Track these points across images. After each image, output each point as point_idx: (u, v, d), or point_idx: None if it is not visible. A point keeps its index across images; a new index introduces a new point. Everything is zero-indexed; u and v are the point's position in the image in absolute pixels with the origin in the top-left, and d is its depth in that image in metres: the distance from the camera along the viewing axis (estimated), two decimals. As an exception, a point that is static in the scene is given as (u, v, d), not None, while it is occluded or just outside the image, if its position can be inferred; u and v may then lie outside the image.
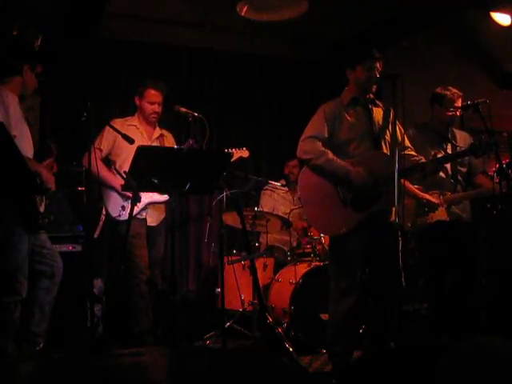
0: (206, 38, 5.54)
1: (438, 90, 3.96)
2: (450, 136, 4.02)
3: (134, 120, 4.20)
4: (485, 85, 6.53)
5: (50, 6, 4.64)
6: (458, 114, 3.92)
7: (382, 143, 3.48)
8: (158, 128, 4.29)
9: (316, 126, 3.46)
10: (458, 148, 3.98)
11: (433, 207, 3.85)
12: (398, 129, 3.56)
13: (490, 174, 4.26)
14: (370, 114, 3.49)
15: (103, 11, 4.82)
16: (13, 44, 3.34)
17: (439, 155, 3.82)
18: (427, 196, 3.84)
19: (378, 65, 3.43)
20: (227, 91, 5.87)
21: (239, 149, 4.12)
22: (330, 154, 3.38)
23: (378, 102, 3.57)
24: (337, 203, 3.39)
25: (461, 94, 3.88)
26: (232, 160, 3.94)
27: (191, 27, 5.44)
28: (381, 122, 3.50)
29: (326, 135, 3.42)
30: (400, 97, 3.19)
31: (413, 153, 3.61)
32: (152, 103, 4.14)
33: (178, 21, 5.34)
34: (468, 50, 6.51)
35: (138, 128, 4.14)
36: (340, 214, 3.38)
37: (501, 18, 5.47)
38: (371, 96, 3.53)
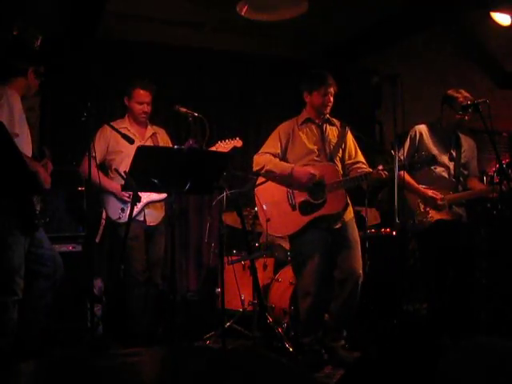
0: (205, 37, 5.54)
1: (450, 91, 3.99)
2: (456, 141, 4.06)
3: (125, 122, 4.20)
4: (485, 85, 6.53)
5: (50, 5, 4.63)
6: (466, 117, 3.94)
7: (335, 159, 3.79)
8: (149, 126, 4.29)
9: (269, 143, 3.86)
10: (462, 154, 4.01)
11: (435, 206, 3.88)
12: (353, 144, 3.89)
13: (490, 173, 4.28)
14: (323, 132, 3.81)
15: (103, 11, 4.82)
16: (13, 44, 3.34)
17: (445, 159, 3.94)
18: (430, 193, 3.89)
19: (331, 89, 3.72)
20: (227, 91, 5.87)
21: (232, 139, 4.10)
22: (278, 160, 3.79)
23: (333, 120, 3.87)
24: (286, 207, 3.77)
25: (472, 98, 3.90)
26: (226, 151, 3.95)
27: (191, 27, 5.44)
28: (334, 140, 3.81)
29: (279, 151, 3.81)
30: (400, 97, 3.20)
31: (363, 166, 3.85)
32: (141, 103, 4.14)
33: (177, 21, 5.33)
34: (468, 50, 6.51)
35: (129, 130, 4.12)
36: (288, 217, 3.75)
37: (501, 18, 5.47)
38: (326, 116, 3.82)
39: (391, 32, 5.43)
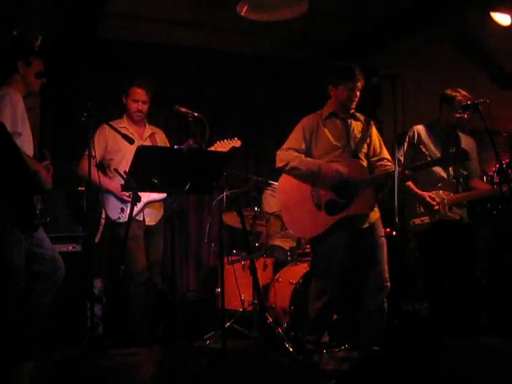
0: (206, 37, 5.54)
1: (448, 91, 3.97)
2: (455, 140, 4.04)
3: (123, 122, 4.19)
4: (485, 85, 6.52)
5: (50, 5, 4.64)
6: (465, 116, 3.92)
7: (360, 155, 3.64)
8: (148, 126, 4.29)
9: (293, 138, 3.68)
10: None
11: (431, 212, 3.87)
12: (378, 140, 3.74)
13: (490, 173, 4.27)
14: (348, 127, 3.66)
15: (103, 11, 4.82)
16: (12, 44, 3.34)
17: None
18: (427, 198, 3.87)
19: (359, 84, 3.58)
20: (227, 91, 5.87)
21: (231, 139, 4.09)
22: (304, 156, 3.60)
23: (358, 115, 3.73)
24: (311, 207, 3.56)
25: (470, 96, 3.88)
26: (225, 151, 3.95)
27: (191, 27, 5.44)
28: (359, 135, 3.66)
29: (303, 146, 3.63)
30: (400, 96, 3.20)
31: (388, 163, 3.70)
32: (136, 101, 4.14)
33: (178, 21, 5.33)
34: (468, 50, 6.51)
35: (127, 129, 4.11)
36: (313, 218, 3.55)
37: (501, 18, 5.46)
38: (351, 111, 3.67)
39: (391, 32, 5.42)
